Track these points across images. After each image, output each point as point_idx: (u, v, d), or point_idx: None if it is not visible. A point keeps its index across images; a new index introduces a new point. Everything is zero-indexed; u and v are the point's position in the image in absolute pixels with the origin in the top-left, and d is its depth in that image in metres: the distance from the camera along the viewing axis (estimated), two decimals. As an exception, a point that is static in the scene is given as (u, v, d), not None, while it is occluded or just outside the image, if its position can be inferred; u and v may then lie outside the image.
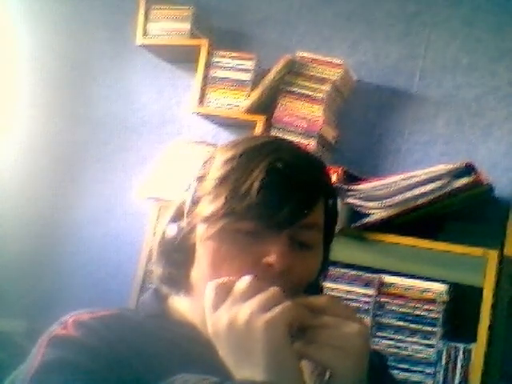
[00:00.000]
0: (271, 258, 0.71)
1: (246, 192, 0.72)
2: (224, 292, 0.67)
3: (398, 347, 1.70)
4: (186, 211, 0.78)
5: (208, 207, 0.75)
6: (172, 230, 0.79)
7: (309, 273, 0.76)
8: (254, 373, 0.63)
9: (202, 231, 0.76)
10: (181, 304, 0.82)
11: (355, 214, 1.78)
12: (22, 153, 2.46)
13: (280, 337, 0.63)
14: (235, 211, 0.72)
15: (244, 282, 0.67)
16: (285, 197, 0.73)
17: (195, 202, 0.77)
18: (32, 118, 2.50)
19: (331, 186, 0.83)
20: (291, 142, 0.83)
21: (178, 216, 0.80)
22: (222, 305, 0.66)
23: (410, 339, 1.69)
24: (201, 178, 0.78)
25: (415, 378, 1.67)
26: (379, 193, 1.75)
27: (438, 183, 1.69)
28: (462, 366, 1.64)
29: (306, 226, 0.75)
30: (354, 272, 1.75)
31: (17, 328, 2.23)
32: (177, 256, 0.78)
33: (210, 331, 0.67)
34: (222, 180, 0.75)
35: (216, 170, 0.76)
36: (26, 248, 2.36)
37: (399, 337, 1.70)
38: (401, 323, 1.70)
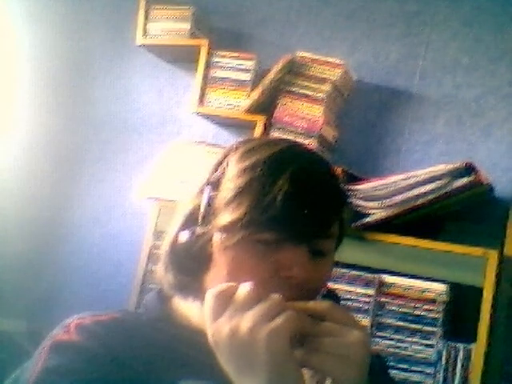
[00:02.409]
0: (293, 270, 0.71)
1: (269, 203, 0.71)
2: (224, 300, 0.66)
3: (398, 347, 1.70)
4: (201, 218, 0.76)
5: (228, 216, 0.73)
6: (185, 237, 0.77)
7: (324, 280, 0.77)
8: (255, 383, 0.62)
9: (220, 240, 0.74)
10: (186, 307, 0.81)
11: (355, 214, 1.78)
12: (22, 153, 2.46)
13: (282, 347, 0.62)
14: (257, 222, 0.71)
15: (244, 289, 0.66)
16: (309, 209, 0.72)
17: (213, 210, 0.75)
18: (32, 118, 2.50)
19: (347, 194, 0.83)
20: (307, 147, 0.82)
21: (190, 222, 0.78)
22: (222, 313, 0.65)
23: (410, 339, 1.69)
24: (215, 184, 0.77)
25: (415, 378, 1.67)
26: (379, 193, 1.75)
27: (438, 183, 1.69)
28: (462, 366, 1.64)
29: (326, 237, 0.75)
30: (354, 272, 1.75)
31: (17, 328, 2.23)
32: (191, 263, 0.76)
33: (211, 340, 0.65)
34: (243, 189, 0.73)
35: (234, 179, 0.75)
36: (26, 248, 2.35)
37: (399, 337, 1.70)
38: (401, 323, 1.70)
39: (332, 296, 0.76)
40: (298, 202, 0.71)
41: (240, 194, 0.73)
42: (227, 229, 0.73)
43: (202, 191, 0.78)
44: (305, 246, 0.73)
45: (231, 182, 0.75)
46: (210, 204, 0.76)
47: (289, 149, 0.77)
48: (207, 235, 0.75)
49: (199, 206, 0.77)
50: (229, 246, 0.73)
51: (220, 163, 0.79)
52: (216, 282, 0.73)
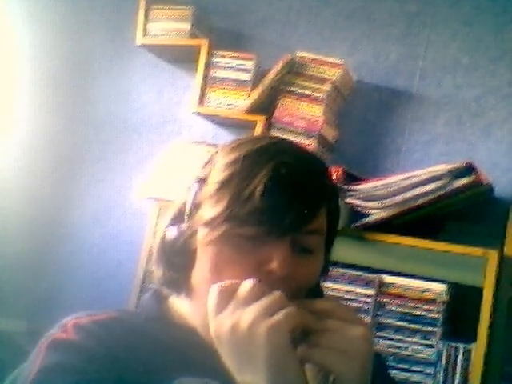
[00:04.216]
0: (273, 264, 0.71)
1: (248, 197, 0.71)
2: (227, 295, 0.67)
3: (398, 347, 1.70)
4: (186, 214, 0.77)
5: (210, 211, 0.74)
6: (172, 233, 0.78)
7: (310, 277, 0.76)
8: (255, 377, 0.63)
9: (203, 235, 0.74)
10: (181, 305, 0.82)
11: (355, 213, 1.78)
12: (22, 153, 2.46)
13: (282, 342, 0.62)
14: (237, 216, 0.71)
15: (247, 285, 0.67)
16: (288, 202, 0.72)
17: (196, 206, 0.76)
18: (32, 118, 2.50)
19: (334, 189, 0.82)
20: (294, 144, 0.82)
21: (178, 218, 0.79)
22: (225, 308, 0.66)
23: (410, 339, 1.69)
24: (202, 181, 0.77)
25: (415, 378, 1.67)
26: (379, 193, 1.75)
27: (438, 183, 1.69)
28: (461, 366, 1.64)
29: (309, 232, 0.74)
30: (354, 272, 1.75)
31: (17, 328, 2.23)
32: (177, 259, 0.77)
33: (213, 334, 0.66)
34: (224, 184, 0.74)
35: (218, 173, 0.75)
36: (26, 248, 2.35)
37: (399, 337, 1.70)
38: (401, 323, 1.70)
39: (318, 294, 0.76)
40: (276, 195, 0.71)
41: (221, 188, 0.74)
42: (209, 223, 0.73)
43: (191, 188, 0.79)
44: (286, 240, 0.72)
45: (215, 176, 0.76)
46: (195, 200, 0.77)
47: (272, 144, 0.77)
48: (191, 230, 0.76)
49: (187, 202, 0.78)
50: (211, 241, 0.73)
51: (209, 160, 0.80)
52: (200, 277, 0.74)
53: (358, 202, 1.78)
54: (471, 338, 1.64)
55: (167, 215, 0.81)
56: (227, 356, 0.65)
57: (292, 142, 0.83)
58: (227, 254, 0.73)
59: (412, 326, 1.69)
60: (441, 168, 1.70)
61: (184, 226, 0.77)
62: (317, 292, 0.77)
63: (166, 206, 1.92)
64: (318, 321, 0.67)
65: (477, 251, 1.67)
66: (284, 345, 0.63)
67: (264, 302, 0.65)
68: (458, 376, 1.64)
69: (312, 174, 0.76)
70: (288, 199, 0.72)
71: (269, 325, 0.62)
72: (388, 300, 1.72)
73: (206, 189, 0.76)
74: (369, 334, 0.67)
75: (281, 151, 0.76)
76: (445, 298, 1.68)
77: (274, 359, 0.62)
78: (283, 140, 0.83)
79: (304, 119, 1.98)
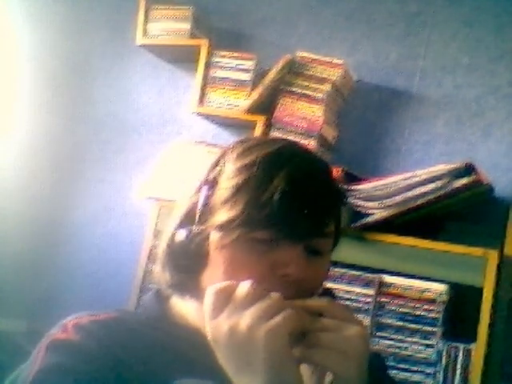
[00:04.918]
0: (289, 268, 0.71)
1: (266, 202, 0.71)
2: (224, 298, 0.66)
3: (398, 347, 1.70)
4: (197, 217, 0.76)
5: (224, 215, 0.73)
6: (181, 236, 0.77)
7: (321, 279, 0.77)
8: (253, 381, 0.62)
9: (217, 239, 0.74)
10: (183, 306, 0.81)
11: (355, 213, 1.78)
12: (22, 153, 2.46)
13: (281, 346, 0.62)
14: (254, 220, 0.71)
15: (244, 287, 0.66)
16: (305, 208, 0.72)
17: (209, 209, 0.76)
18: (32, 118, 2.50)
19: (343, 193, 0.83)
20: (304, 147, 0.82)
21: (186, 221, 0.78)
22: (221, 311, 0.65)
23: (410, 339, 1.69)
24: (212, 183, 0.77)
25: (415, 378, 1.67)
26: (379, 193, 1.75)
27: (438, 183, 1.69)
28: (461, 366, 1.64)
29: (322, 236, 0.75)
30: (354, 272, 1.75)
31: (17, 328, 2.23)
32: (187, 261, 0.76)
33: (210, 338, 0.66)
34: (240, 188, 0.73)
35: (231, 177, 0.75)
36: (25, 248, 2.36)
37: (399, 337, 1.70)
38: (401, 323, 1.70)
39: (329, 295, 0.76)
40: (294, 200, 0.72)
41: (236, 192, 0.73)
42: (224, 227, 0.73)
43: (198, 190, 0.78)
44: (301, 244, 0.73)
45: (228, 180, 0.75)
46: (206, 203, 0.76)
47: (285, 148, 0.78)
48: (204, 234, 0.75)
49: (196, 204, 0.77)
50: (225, 245, 0.73)
51: (217, 162, 0.79)
52: (213, 280, 0.73)
53: (358, 202, 1.78)
54: (471, 337, 1.63)
55: (174, 217, 0.80)
56: (225, 359, 0.65)
57: (300, 144, 0.84)
58: (242, 258, 0.72)
59: (412, 325, 1.69)
60: (441, 168, 1.70)
61: (196, 229, 0.76)
62: (327, 292, 0.77)
63: (167, 206, 1.93)
64: (315, 320, 0.67)
65: (477, 251, 1.67)
66: (283, 348, 0.62)
67: (262, 305, 0.64)
68: (457, 376, 1.64)
69: (325, 180, 0.78)
70: (304, 205, 0.72)
71: (267, 329, 0.62)
72: (388, 300, 1.72)
73: (219, 193, 0.75)
74: (365, 332, 0.67)
75: (293, 155, 0.77)
76: (445, 297, 1.68)
77: (273, 363, 0.62)
78: (293, 143, 0.83)
79: (304, 119, 1.98)
